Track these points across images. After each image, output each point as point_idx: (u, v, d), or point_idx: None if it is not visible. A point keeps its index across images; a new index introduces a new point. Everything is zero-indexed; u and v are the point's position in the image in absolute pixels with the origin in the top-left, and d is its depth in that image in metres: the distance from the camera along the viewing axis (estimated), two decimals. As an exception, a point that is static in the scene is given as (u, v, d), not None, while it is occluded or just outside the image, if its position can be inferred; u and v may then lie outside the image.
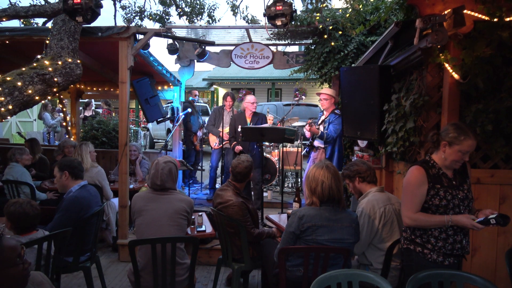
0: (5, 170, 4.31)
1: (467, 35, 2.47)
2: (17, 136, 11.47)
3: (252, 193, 5.25)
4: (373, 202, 2.49)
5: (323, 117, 4.71)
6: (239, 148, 5.13)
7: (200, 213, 3.49)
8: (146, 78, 5.29)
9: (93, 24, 3.58)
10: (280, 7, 3.51)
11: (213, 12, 10.60)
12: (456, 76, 2.49)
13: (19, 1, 7.94)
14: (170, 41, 5.07)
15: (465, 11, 2.35)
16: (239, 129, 4.97)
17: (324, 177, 2.28)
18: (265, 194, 6.02)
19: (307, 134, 4.60)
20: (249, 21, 10.95)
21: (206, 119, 6.86)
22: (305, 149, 5.04)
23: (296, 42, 5.62)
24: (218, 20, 11.02)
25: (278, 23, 3.55)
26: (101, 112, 9.80)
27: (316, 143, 4.73)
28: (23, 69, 3.40)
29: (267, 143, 6.88)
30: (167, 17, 10.55)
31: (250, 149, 5.07)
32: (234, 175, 3.10)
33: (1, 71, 4.06)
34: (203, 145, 7.19)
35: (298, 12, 4.94)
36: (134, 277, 2.49)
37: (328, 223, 2.24)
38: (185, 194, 2.84)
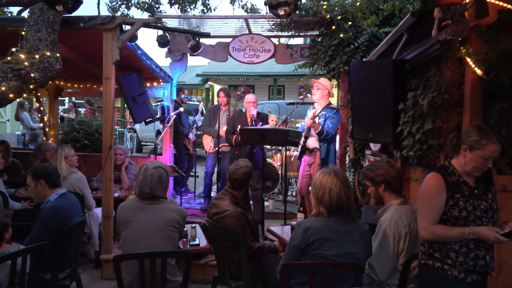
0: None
1: (491, 26, 2.49)
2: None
3: (252, 202, 5.25)
4: (396, 220, 2.44)
5: (315, 111, 4.72)
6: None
7: (194, 225, 3.49)
8: (133, 73, 5.31)
9: (74, 14, 3.59)
10: (283, -5, 3.53)
11: (208, 0, 10.65)
12: (478, 72, 2.50)
13: (-8, -12, 7.96)
14: (160, 32, 5.09)
15: (488, 0, 2.37)
16: (238, 129, 5.00)
17: (332, 184, 2.28)
18: (266, 203, 6.03)
19: (307, 123, 4.59)
20: (248, 10, 11.00)
21: (194, 118, 6.85)
22: (296, 151, 5.04)
23: (301, 34, 5.65)
24: (214, 9, 11.08)
25: (281, 12, 3.57)
26: (83, 112, 9.82)
27: (312, 143, 4.74)
28: (-4, 63, 3.42)
29: (268, 147, 6.89)
30: (156, 5, 10.60)
31: (246, 151, 5.06)
32: (232, 182, 3.11)
33: (-28, 66, 4.07)
34: (197, 149, 7.20)
35: (303, 1, 4.98)
36: (120, 296, 2.50)
37: (337, 236, 2.24)
38: (176, 204, 2.85)
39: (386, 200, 2.58)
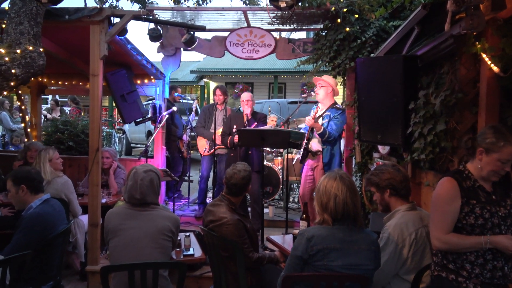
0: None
1: (508, 20, 2.50)
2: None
3: (250, 209, 5.26)
4: (401, 226, 2.46)
5: (318, 111, 4.73)
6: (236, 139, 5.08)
7: (188, 234, 3.49)
8: (122, 70, 5.32)
9: (59, 6, 3.60)
10: (285, -15, 3.55)
11: (204, -9, 10.68)
12: (495, 69, 2.51)
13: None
14: (152, 25, 5.10)
15: (505, -9, 2.38)
16: (234, 130, 4.99)
17: (337, 190, 2.28)
18: (266, 210, 6.03)
19: (308, 123, 4.60)
20: (247, 2, 11.02)
21: (188, 119, 6.84)
22: (298, 154, 5.05)
23: (304, 28, 5.66)
24: (210, 1, 11.10)
25: (282, 4, 3.59)
26: (68, 111, 9.81)
27: (315, 145, 4.74)
28: (-25, 59, 3.42)
29: (268, 149, 6.90)
30: (148, -4, 10.60)
31: (241, 153, 5.05)
32: (229, 187, 3.11)
33: None
34: (191, 151, 7.20)
35: (306, -8, 4.99)
36: (108, 311, 2.50)
37: (343, 245, 2.24)
38: (169, 210, 2.85)
39: (393, 206, 2.60)
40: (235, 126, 5.08)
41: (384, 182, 2.58)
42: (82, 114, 9.35)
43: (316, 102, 5.09)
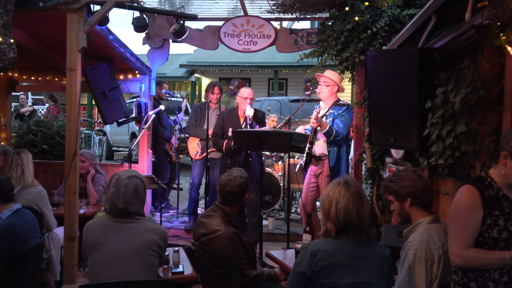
0: None
1: (536, 9, 2.52)
2: None
3: (247, 220, 5.26)
4: (428, 241, 2.43)
5: (321, 111, 4.73)
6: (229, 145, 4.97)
7: (177, 248, 3.48)
8: (103, 64, 5.32)
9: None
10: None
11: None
12: (521, 63, 2.53)
13: None
14: (137, 14, 5.11)
15: (532, -23, 2.40)
16: (229, 133, 4.93)
17: (339, 195, 2.30)
18: (265, 222, 6.04)
19: (313, 124, 4.58)
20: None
21: (177, 119, 6.85)
22: (301, 159, 5.02)
23: (307, 16, 5.69)
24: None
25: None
26: (44, 109, 9.79)
27: (319, 149, 4.75)
28: None
29: (267, 153, 6.91)
30: (132, -19, 10.63)
31: (240, 160, 5.00)
32: (223, 196, 3.12)
33: None
34: (180, 155, 7.20)
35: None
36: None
37: (351, 261, 2.25)
38: (156, 222, 2.86)
39: (414, 218, 2.57)
40: (230, 129, 4.96)
41: (404, 189, 2.54)
42: (60, 113, 9.33)
43: (320, 101, 5.10)
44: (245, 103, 5.03)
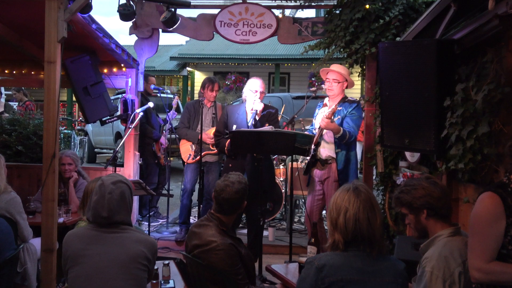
0: None
1: None
2: None
3: (247, 231, 5.25)
4: (446, 256, 2.41)
5: (327, 109, 4.61)
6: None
7: (167, 262, 3.48)
8: (85, 56, 5.32)
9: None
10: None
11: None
12: (551, 57, 2.54)
13: None
14: (123, 0, 5.12)
15: None
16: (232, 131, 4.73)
17: (348, 202, 2.29)
18: (265, 232, 6.04)
19: (323, 124, 4.49)
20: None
21: (167, 117, 6.85)
22: (305, 161, 4.99)
23: (313, 4, 5.70)
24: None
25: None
26: (16, 106, 9.78)
27: (325, 152, 4.73)
28: None
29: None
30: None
31: (246, 164, 4.90)
32: (219, 203, 3.12)
33: None
34: (170, 158, 7.20)
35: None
36: None
37: (362, 277, 2.25)
38: (144, 233, 2.86)
39: (431, 231, 2.55)
40: (234, 126, 4.78)
41: (418, 201, 2.53)
42: (36, 111, 9.32)
43: (325, 97, 5.08)
44: (254, 97, 4.83)
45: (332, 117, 4.52)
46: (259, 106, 4.77)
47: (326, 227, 4.57)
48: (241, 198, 3.13)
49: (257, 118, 4.75)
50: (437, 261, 2.39)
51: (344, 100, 4.80)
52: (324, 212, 5.05)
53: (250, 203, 3.37)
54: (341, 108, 4.72)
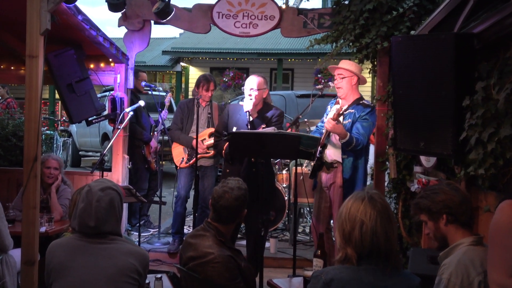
0: None
1: None
2: None
3: (246, 242, 5.25)
4: (467, 265, 2.43)
5: (340, 108, 4.54)
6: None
7: (159, 275, 3.49)
8: (70, 49, 5.33)
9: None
10: None
11: None
12: None
13: None
14: (112, -11, 5.13)
15: None
16: (231, 132, 4.70)
17: (365, 214, 2.29)
18: (266, 244, 6.04)
19: (328, 126, 4.46)
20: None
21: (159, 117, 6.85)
22: (310, 166, 4.97)
23: (319, -6, 5.71)
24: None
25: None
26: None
27: (331, 154, 4.70)
28: None
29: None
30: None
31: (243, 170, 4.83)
32: (217, 211, 3.13)
33: None
34: (162, 162, 7.21)
35: None
36: None
37: (373, 292, 2.26)
38: (134, 243, 2.86)
39: (451, 238, 2.57)
40: (235, 128, 4.76)
41: (438, 204, 2.57)
42: (16, 110, 9.33)
43: (335, 96, 5.08)
44: (250, 95, 4.75)
45: (340, 119, 4.49)
46: (248, 105, 4.70)
47: (334, 238, 4.59)
48: (241, 206, 3.14)
49: (250, 118, 4.71)
50: (455, 268, 2.41)
51: (358, 102, 4.71)
52: (332, 221, 5.05)
53: (248, 212, 3.37)
54: (353, 110, 4.65)
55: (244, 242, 5.45)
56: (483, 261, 2.42)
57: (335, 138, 4.65)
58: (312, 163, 4.76)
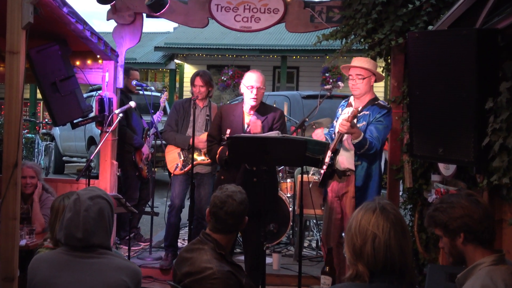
0: None
1: None
2: None
3: (244, 257, 5.26)
4: (489, 286, 2.40)
5: (356, 110, 4.44)
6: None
7: (151, 293, 3.51)
8: (54, 45, 5.34)
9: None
10: None
11: None
12: None
13: None
14: (101, -21, 5.16)
15: None
16: (226, 136, 4.72)
17: (377, 227, 2.29)
18: (268, 259, 6.04)
19: (343, 128, 4.37)
20: None
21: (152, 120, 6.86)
22: (318, 174, 4.94)
23: (328, -16, 5.73)
24: None
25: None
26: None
27: (344, 161, 4.68)
28: None
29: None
30: None
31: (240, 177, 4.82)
32: (222, 219, 3.10)
33: None
34: (155, 169, 7.21)
35: None
36: None
37: (386, 312, 2.27)
38: (124, 258, 2.87)
39: (470, 258, 2.56)
40: (228, 131, 4.70)
41: (455, 221, 2.52)
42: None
43: (345, 97, 5.07)
44: (248, 93, 4.73)
45: (354, 121, 4.43)
46: (250, 104, 4.72)
47: (345, 254, 4.58)
48: (245, 211, 3.15)
49: (247, 120, 4.70)
50: None
51: (373, 103, 4.67)
52: (343, 234, 5.04)
53: (246, 224, 3.37)
54: (368, 112, 4.62)
55: (241, 257, 5.44)
56: (506, 281, 2.40)
57: (347, 143, 4.62)
58: (322, 171, 4.75)
